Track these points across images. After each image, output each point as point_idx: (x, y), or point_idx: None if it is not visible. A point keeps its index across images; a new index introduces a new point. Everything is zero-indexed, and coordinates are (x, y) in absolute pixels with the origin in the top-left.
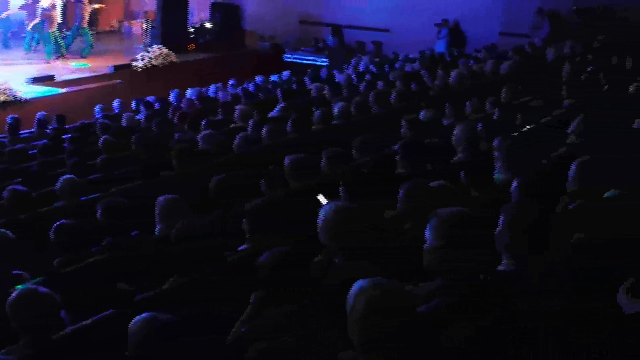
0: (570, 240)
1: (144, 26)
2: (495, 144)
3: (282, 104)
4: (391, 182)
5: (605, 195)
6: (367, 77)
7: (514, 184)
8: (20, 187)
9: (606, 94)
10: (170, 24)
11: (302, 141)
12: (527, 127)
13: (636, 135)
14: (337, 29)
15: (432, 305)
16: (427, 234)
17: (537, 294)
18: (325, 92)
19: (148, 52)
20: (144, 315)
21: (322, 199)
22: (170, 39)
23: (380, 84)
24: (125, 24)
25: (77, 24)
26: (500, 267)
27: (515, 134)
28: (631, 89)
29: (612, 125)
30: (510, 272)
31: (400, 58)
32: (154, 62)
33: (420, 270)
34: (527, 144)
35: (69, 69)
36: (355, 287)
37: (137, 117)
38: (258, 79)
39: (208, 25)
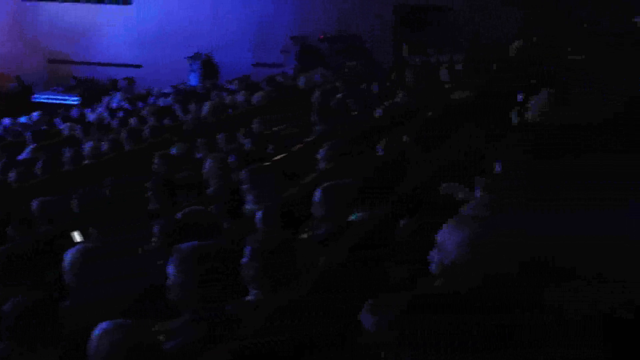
0: (317, 266)
1: None
2: (242, 175)
3: (32, 146)
4: (146, 217)
5: (350, 218)
6: (120, 114)
7: (259, 214)
8: None
9: (355, 118)
10: None
11: (52, 183)
12: (279, 156)
13: (380, 159)
14: (87, 67)
15: (178, 341)
16: (169, 269)
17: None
18: (77, 131)
19: None
20: None
21: (77, 236)
22: None
23: (133, 120)
24: None
25: None
26: (247, 298)
27: (267, 163)
28: (376, 114)
29: (360, 149)
30: (256, 302)
31: (153, 93)
32: None
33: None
34: (277, 173)
35: None
36: (98, 329)
37: None
38: (5, 121)
39: None
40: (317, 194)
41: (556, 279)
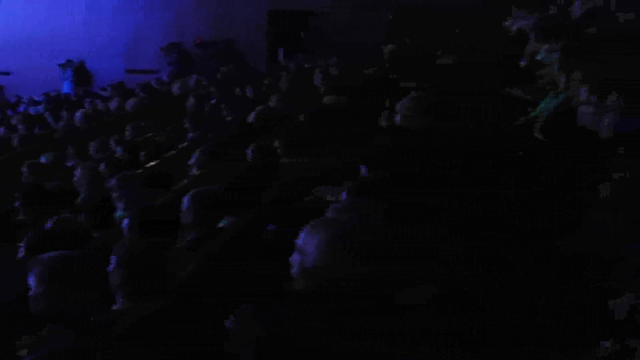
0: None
1: None
2: (111, 183)
3: None
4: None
5: (220, 224)
6: None
7: (125, 221)
8: None
9: (228, 123)
10: None
11: None
12: (151, 163)
13: (250, 163)
14: None
15: (41, 353)
16: (30, 280)
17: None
18: None
19: None
20: None
21: None
22: None
23: (1, 129)
24: None
25: None
26: (115, 307)
27: (138, 170)
28: (250, 118)
29: (232, 154)
30: (123, 311)
31: (24, 101)
32: None
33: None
34: (147, 180)
35: None
36: None
37: None
38: None
39: None
40: (185, 201)
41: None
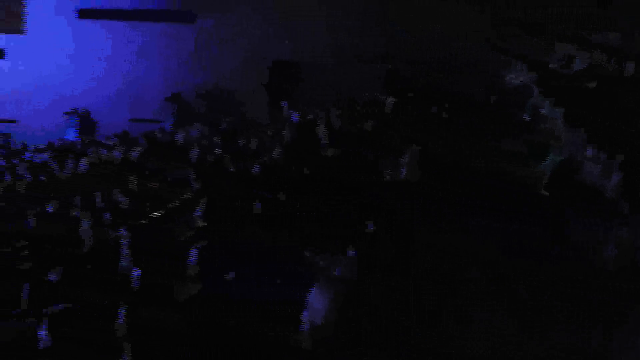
0: None
1: None
2: (121, 233)
3: None
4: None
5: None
6: None
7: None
8: None
9: (232, 175)
10: None
11: None
12: (156, 213)
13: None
14: None
15: None
16: None
17: None
18: None
19: None
20: None
21: None
22: None
23: (7, 177)
24: None
25: None
26: None
27: (144, 221)
28: (254, 170)
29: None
30: None
31: (29, 149)
32: None
33: None
34: (155, 231)
35: None
36: None
37: None
38: None
39: None
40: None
41: None
